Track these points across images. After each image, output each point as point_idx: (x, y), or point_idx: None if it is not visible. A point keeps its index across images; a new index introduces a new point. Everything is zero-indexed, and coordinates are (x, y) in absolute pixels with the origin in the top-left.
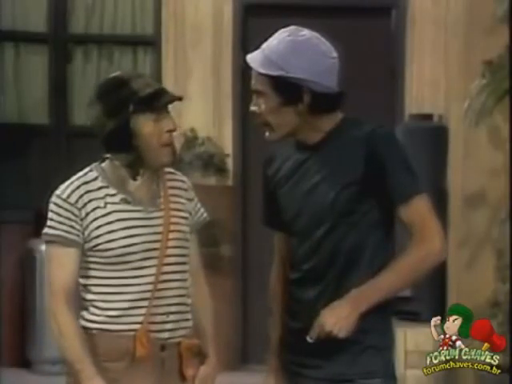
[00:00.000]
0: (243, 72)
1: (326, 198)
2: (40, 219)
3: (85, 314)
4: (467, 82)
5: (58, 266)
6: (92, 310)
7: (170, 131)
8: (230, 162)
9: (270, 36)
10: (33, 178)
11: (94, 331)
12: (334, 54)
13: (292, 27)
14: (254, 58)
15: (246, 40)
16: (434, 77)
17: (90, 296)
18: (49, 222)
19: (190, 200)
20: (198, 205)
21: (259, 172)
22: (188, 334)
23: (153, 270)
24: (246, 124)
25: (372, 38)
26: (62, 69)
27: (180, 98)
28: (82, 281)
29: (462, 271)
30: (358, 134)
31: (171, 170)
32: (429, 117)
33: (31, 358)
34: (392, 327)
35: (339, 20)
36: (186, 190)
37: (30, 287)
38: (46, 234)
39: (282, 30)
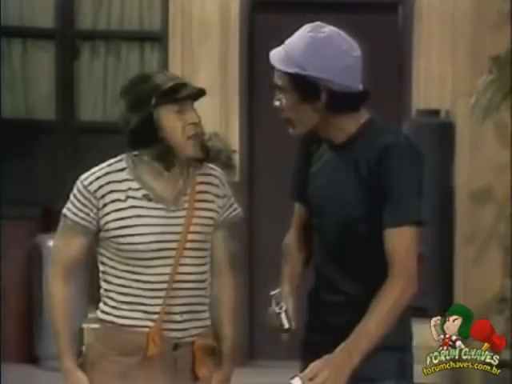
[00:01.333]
0: (250, 68)
1: (340, 204)
2: (47, 215)
3: (101, 305)
4: (474, 77)
5: (64, 243)
6: (106, 300)
7: (194, 124)
8: (236, 158)
9: (276, 32)
10: (39, 174)
11: (109, 324)
12: (357, 53)
13: (315, 23)
14: (274, 54)
15: (253, 36)
16: (441, 72)
17: (105, 285)
18: (68, 204)
19: (220, 197)
20: (231, 201)
21: (266, 168)
22: (204, 333)
23: (168, 270)
24: (252, 120)
25: (379, 33)
26: (69, 65)
27: (203, 91)
28: (100, 267)
29: (469, 267)
30: (379, 143)
31: (208, 164)
32: (436, 112)
33: (38, 354)
34: (410, 326)
35: (346, 16)
36: (217, 186)
37: (36, 283)
38: (64, 214)
39: (306, 25)
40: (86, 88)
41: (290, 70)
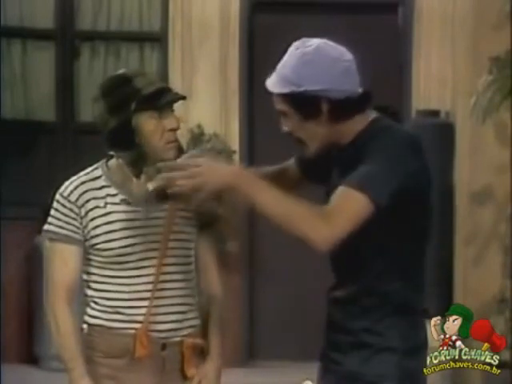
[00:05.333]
0: (250, 69)
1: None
2: (47, 216)
3: (87, 309)
4: (474, 78)
5: (60, 263)
6: (93, 305)
7: (173, 130)
8: (236, 159)
9: (276, 32)
10: (39, 175)
11: (96, 327)
12: (347, 57)
13: (301, 40)
14: (270, 80)
15: (253, 37)
16: (441, 73)
17: (90, 292)
18: (50, 219)
19: None
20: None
21: None
22: (192, 332)
23: (152, 270)
24: (252, 120)
25: (379, 34)
26: (69, 65)
27: (183, 97)
28: (84, 276)
29: (469, 268)
30: (377, 142)
31: None
32: (436, 113)
33: (38, 355)
34: (420, 329)
35: (346, 17)
36: None
37: (37, 284)
38: (47, 230)
39: (293, 44)
40: (85, 89)
41: (286, 90)
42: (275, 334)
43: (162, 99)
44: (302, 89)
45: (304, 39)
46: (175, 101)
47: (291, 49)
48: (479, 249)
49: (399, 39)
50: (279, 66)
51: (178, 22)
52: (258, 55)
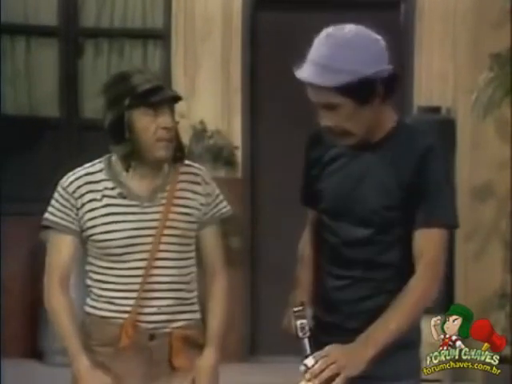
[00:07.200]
0: (252, 65)
1: (368, 204)
2: None
3: (87, 299)
4: (475, 74)
5: (55, 250)
6: (90, 295)
7: (166, 128)
8: (238, 155)
9: (278, 29)
10: (43, 171)
11: (92, 316)
12: (377, 35)
13: (330, 28)
14: (311, 74)
15: (255, 33)
16: (442, 70)
17: (89, 282)
18: (49, 208)
19: (202, 195)
20: (218, 199)
21: (268, 164)
22: (185, 325)
23: (142, 264)
24: (255, 117)
25: (381, 31)
26: (73, 62)
27: (179, 97)
28: (86, 267)
29: (470, 263)
30: (416, 146)
31: (189, 162)
32: (437, 109)
33: (43, 349)
34: (419, 322)
35: (348, 13)
36: (198, 183)
37: (41, 279)
38: (46, 219)
39: (324, 34)
40: (89, 85)
41: (343, 82)
42: (277, 330)
43: (156, 97)
44: (358, 76)
45: (334, 27)
46: (169, 99)
47: (326, 38)
48: (480, 244)
49: (401, 36)
50: (318, 57)
51: (180, 19)
52: (260, 52)
